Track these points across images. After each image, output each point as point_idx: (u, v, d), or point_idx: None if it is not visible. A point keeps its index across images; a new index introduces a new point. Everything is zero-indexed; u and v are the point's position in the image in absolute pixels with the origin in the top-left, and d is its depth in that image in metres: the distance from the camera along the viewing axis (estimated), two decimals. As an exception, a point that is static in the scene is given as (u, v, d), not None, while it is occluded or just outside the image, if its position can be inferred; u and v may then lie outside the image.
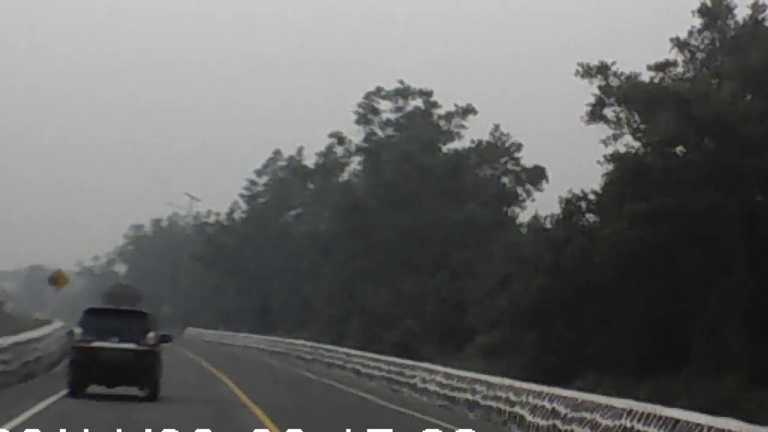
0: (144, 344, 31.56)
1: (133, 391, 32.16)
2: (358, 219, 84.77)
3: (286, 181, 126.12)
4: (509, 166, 78.99)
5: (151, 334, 31.87)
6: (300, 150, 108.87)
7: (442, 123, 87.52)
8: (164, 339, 32.92)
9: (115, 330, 31.64)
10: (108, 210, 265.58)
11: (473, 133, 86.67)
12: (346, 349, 57.74)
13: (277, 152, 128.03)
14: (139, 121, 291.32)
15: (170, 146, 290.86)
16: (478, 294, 70.06)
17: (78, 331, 31.79)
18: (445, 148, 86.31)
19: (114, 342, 31.44)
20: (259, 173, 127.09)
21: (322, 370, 59.85)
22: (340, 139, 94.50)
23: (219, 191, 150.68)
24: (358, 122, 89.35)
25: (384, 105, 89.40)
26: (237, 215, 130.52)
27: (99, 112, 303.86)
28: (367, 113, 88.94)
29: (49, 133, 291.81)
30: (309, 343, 66.35)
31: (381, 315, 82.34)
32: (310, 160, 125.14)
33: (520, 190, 78.39)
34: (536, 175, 77.60)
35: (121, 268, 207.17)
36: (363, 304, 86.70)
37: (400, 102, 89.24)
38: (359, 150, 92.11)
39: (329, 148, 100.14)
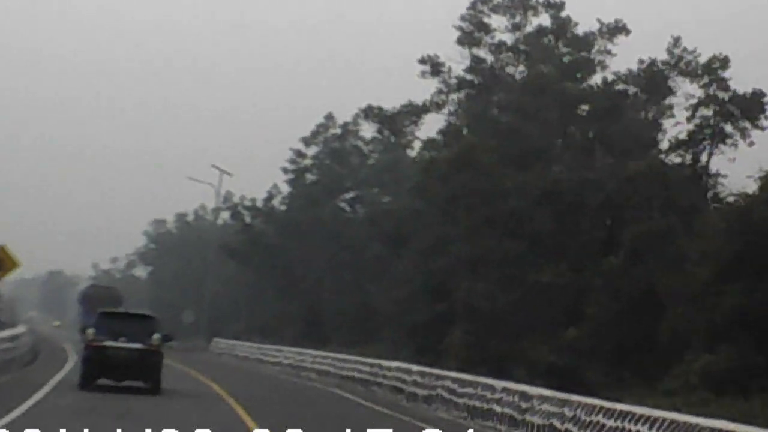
0: (149, 344, 34.24)
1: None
2: (463, 184, 57.27)
3: (341, 154, 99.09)
4: (710, 90, 51.56)
5: (156, 336, 34.61)
6: (366, 112, 77.24)
7: (579, 45, 60.11)
8: (166, 339, 35.57)
9: (125, 331, 34.44)
10: (129, 209, 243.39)
11: (624, 61, 59.35)
12: (505, 383, 30.45)
13: (330, 117, 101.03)
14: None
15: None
16: (680, 288, 42.76)
17: (91, 331, 34.62)
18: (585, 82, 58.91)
19: (123, 342, 34.10)
20: (306, 142, 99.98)
21: (459, 418, 32.75)
22: (436, 67, 66.38)
23: (254, 177, 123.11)
24: (459, 42, 61.89)
25: (496, 21, 62.23)
26: (277, 201, 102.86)
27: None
28: (473, 31, 61.51)
29: (62, 134, 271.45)
30: (415, 367, 39.38)
31: (501, 322, 55.13)
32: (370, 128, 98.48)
33: (728, 128, 50.95)
34: (752, 106, 50.20)
35: (141, 271, 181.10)
36: (468, 305, 59.47)
37: (518, 17, 61.96)
38: (461, 84, 64.60)
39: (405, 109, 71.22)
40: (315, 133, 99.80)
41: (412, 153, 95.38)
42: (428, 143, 70.86)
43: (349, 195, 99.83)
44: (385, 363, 44.58)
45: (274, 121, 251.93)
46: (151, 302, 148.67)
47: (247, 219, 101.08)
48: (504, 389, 29.98)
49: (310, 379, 52.50)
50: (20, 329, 49.71)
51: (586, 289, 49.65)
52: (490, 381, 31.72)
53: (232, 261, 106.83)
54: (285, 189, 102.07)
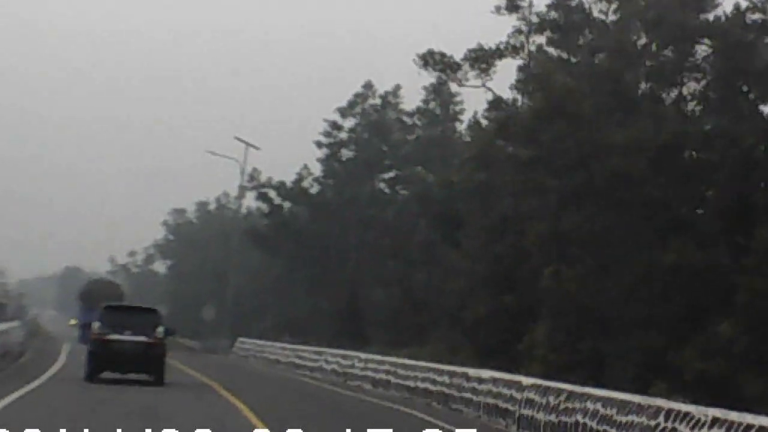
0: (153, 337, 34.64)
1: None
2: (553, 140, 44.72)
3: (381, 127, 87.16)
4: None
5: (160, 329, 35.17)
6: (425, 58, 62.97)
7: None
8: (169, 332, 36.15)
9: (129, 325, 34.94)
10: (148, 198, 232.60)
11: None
12: (716, 411, 18.48)
13: (368, 86, 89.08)
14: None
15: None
16: None
17: (96, 325, 35.05)
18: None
19: (128, 335, 34.60)
20: (342, 113, 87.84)
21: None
22: (513, 1, 53.49)
23: (284, 155, 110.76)
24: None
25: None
26: (309, 181, 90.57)
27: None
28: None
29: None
30: (527, 380, 27.42)
31: (600, 316, 42.93)
32: (412, 99, 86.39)
33: None
34: None
35: (160, 266, 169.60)
36: (555, 295, 47.41)
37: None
38: (542, 24, 52.15)
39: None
40: (352, 104, 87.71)
41: (461, 127, 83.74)
42: (495, 102, 58.44)
43: (390, 174, 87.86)
44: (472, 372, 32.50)
45: (304, 91, 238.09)
46: (171, 298, 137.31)
47: (276, 201, 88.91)
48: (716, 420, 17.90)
49: (363, 390, 40.43)
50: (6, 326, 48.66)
51: (729, 272, 37.62)
52: (680, 406, 19.61)
53: (258, 250, 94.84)
54: (318, 168, 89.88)
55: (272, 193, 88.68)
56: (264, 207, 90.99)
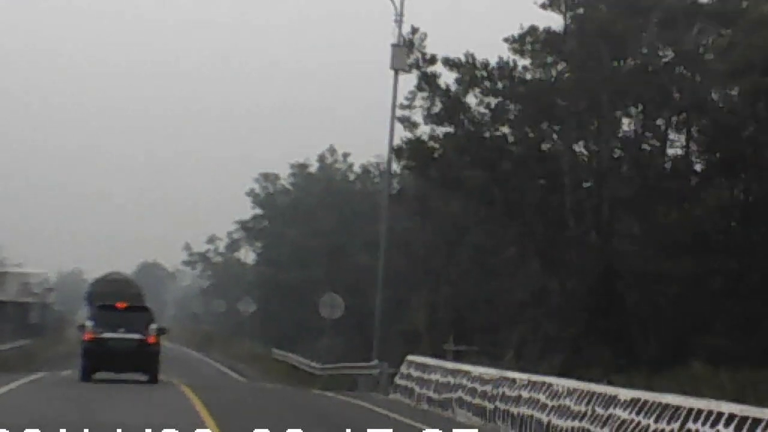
0: (147, 334, 35.64)
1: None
2: None
3: None
4: None
5: (153, 326, 36.09)
6: None
7: None
8: (161, 331, 36.86)
9: (122, 322, 35.77)
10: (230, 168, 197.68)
11: None
12: None
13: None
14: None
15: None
16: None
17: (89, 324, 36.12)
18: None
19: (121, 333, 35.44)
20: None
21: None
22: None
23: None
24: None
25: None
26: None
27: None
28: None
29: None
30: None
31: None
32: None
33: None
34: None
35: (248, 255, 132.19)
36: None
37: None
38: None
39: None
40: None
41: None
42: None
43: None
44: None
45: None
46: (261, 294, 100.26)
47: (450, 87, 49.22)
48: None
49: None
50: None
51: None
52: None
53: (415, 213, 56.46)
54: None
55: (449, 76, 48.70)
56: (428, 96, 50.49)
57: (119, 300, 41.78)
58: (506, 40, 48.00)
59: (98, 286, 56.09)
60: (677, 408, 16.41)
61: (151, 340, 35.49)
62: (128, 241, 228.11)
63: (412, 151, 49.08)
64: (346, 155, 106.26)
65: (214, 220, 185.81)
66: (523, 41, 47.67)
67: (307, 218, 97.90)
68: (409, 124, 51.22)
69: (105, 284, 55.68)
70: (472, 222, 53.06)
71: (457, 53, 48.75)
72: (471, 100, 47.89)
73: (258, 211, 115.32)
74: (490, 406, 26.06)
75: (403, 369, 35.85)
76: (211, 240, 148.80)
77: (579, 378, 24.36)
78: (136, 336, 35.33)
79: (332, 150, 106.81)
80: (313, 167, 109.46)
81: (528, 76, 47.47)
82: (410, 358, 36.27)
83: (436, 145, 48.84)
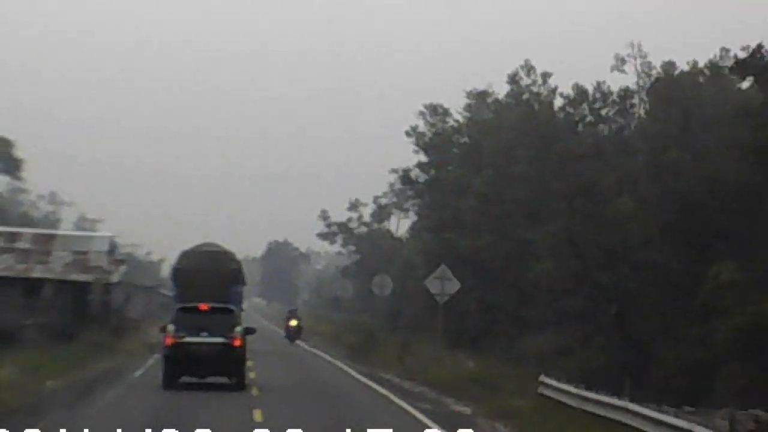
0: (231, 338, 35.06)
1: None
2: None
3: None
4: None
5: (238, 329, 35.44)
6: None
7: None
8: (248, 331, 36.51)
9: (205, 325, 35.12)
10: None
11: None
12: None
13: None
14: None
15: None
16: None
17: (171, 327, 35.21)
18: None
19: (204, 336, 34.88)
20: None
21: None
22: None
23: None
24: None
25: None
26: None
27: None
28: None
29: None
30: None
31: None
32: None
33: None
34: None
35: (401, 223, 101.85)
36: None
37: None
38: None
39: None
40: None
41: None
42: None
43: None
44: None
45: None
46: (426, 273, 69.07)
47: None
48: None
49: None
50: None
51: None
52: None
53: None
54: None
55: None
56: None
57: (210, 278, 39.93)
58: None
59: (185, 260, 44.04)
60: None
61: (237, 343, 34.96)
62: (255, 220, 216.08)
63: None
64: (546, 75, 75.20)
65: (355, 190, 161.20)
66: None
67: (497, 161, 66.86)
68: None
69: (194, 258, 43.91)
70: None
71: None
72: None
73: (422, 157, 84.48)
74: None
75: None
76: (353, 207, 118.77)
77: None
78: (221, 339, 34.81)
79: (528, 66, 75.45)
80: (501, 92, 78.39)
81: None
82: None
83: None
